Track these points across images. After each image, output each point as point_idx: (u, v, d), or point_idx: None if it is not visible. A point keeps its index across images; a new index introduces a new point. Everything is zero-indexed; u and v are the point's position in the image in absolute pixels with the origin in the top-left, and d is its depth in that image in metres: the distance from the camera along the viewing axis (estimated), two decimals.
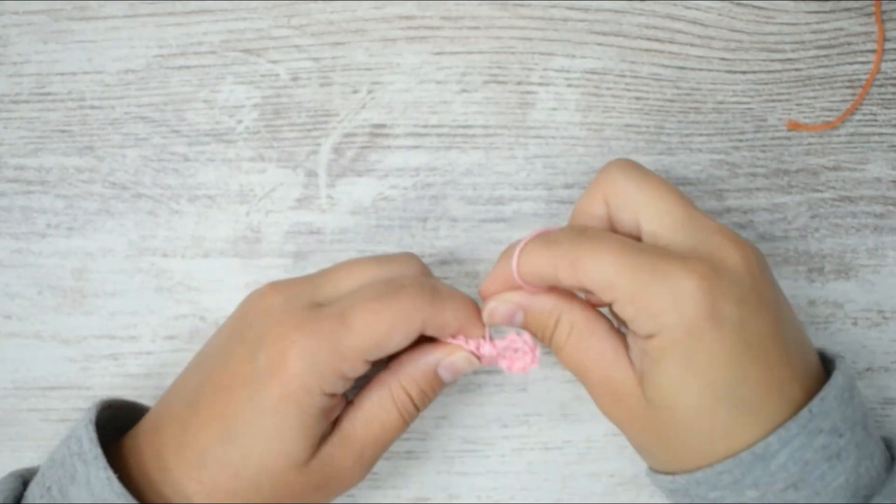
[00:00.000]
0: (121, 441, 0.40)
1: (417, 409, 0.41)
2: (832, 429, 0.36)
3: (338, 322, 0.38)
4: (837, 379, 0.37)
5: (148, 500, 0.38)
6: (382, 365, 0.41)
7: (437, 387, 0.41)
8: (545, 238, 0.39)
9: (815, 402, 0.36)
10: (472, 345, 0.40)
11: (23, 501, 0.39)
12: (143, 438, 0.40)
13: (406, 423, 0.40)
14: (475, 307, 0.40)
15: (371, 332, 0.38)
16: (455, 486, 0.46)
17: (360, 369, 0.39)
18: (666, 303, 0.35)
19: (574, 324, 0.39)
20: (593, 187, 0.40)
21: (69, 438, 0.39)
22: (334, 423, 0.40)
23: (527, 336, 0.41)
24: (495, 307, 0.40)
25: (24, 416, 0.46)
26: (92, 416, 0.39)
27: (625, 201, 0.38)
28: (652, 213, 0.38)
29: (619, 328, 0.39)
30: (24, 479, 0.40)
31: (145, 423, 0.41)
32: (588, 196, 0.40)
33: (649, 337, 0.36)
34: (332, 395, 0.38)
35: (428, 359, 0.40)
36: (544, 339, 0.40)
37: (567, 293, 0.40)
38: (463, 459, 0.46)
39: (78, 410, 0.46)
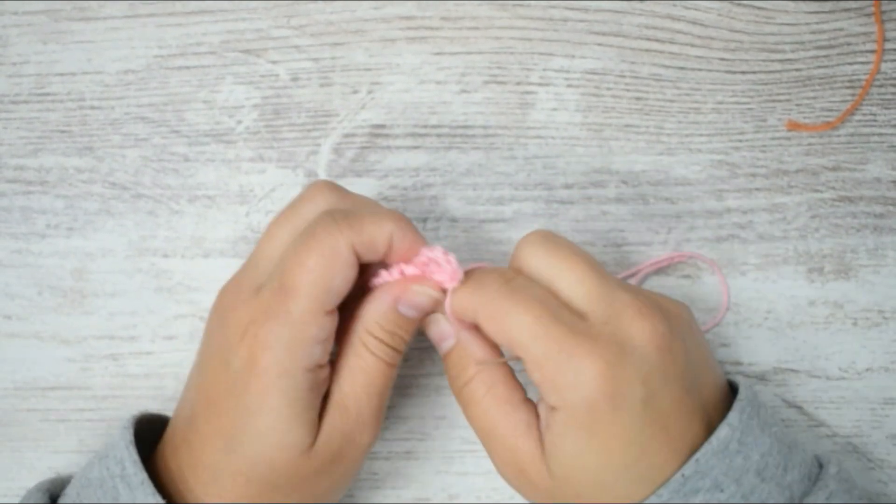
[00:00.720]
0: (150, 460, 0.40)
1: (396, 350, 0.39)
2: (712, 485, 0.36)
3: (279, 294, 0.37)
4: (721, 433, 0.36)
5: None
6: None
7: (404, 324, 0.39)
8: (477, 279, 0.39)
9: (689, 464, 0.36)
10: (395, 271, 0.39)
11: None
12: (166, 457, 0.40)
13: (389, 364, 0.39)
14: (395, 214, 0.39)
15: (311, 284, 0.37)
16: (455, 487, 0.46)
17: (328, 324, 0.38)
18: (569, 379, 0.35)
19: (494, 385, 0.39)
20: (511, 263, 0.40)
21: (107, 458, 0.38)
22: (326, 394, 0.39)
23: (451, 257, 0.39)
24: (437, 319, 0.40)
25: (23, 416, 0.46)
26: (130, 436, 0.39)
27: (538, 275, 0.38)
28: (565, 285, 0.37)
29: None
30: (51, 494, 0.40)
31: (165, 441, 0.41)
32: (511, 261, 0.40)
33: (553, 409, 0.36)
34: (316, 367, 0.38)
35: (384, 298, 0.39)
36: (455, 382, 0.40)
37: (497, 349, 0.40)
38: (463, 459, 0.46)
39: (78, 411, 0.46)
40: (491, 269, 0.39)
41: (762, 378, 0.46)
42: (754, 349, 0.46)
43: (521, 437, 0.38)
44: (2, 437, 0.46)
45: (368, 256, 0.38)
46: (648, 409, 0.36)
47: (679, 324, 0.38)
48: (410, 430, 0.46)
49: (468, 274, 0.39)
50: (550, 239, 0.39)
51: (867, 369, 0.46)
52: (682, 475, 0.36)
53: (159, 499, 0.37)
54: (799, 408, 0.46)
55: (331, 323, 0.38)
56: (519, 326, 0.36)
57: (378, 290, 0.39)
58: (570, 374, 0.35)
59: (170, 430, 0.41)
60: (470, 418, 0.40)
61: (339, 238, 0.37)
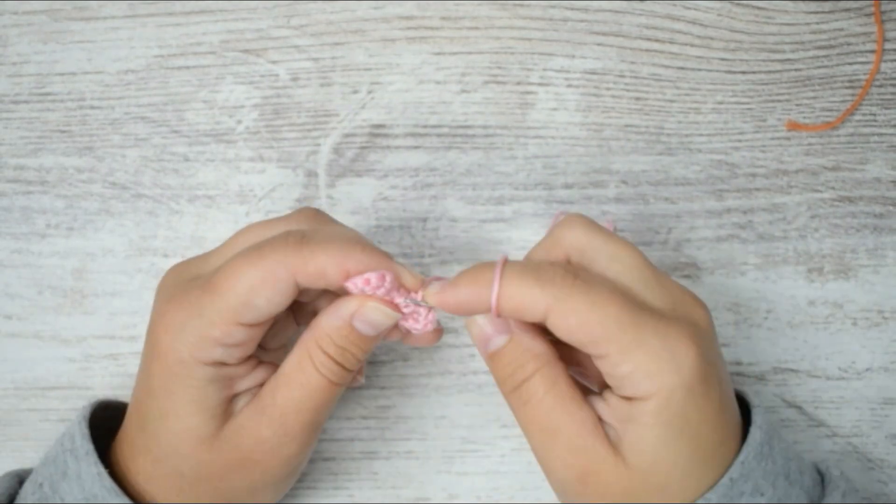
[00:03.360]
0: (114, 441, 0.41)
1: (344, 369, 0.37)
2: (754, 489, 0.35)
3: (203, 290, 0.36)
4: (755, 436, 0.36)
5: (131, 493, 0.38)
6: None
7: (358, 342, 0.37)
8: (535, 271, 0.36)
9: (735, 467, 0.35)
10: (379, 291, 0.37)
11: (17, 500, 0.39)
12: (118, 443, 0.40)
13: (333, 383, 0.37)
14: (359, 247, 0.36)
15: (234, 293, 0.35)
16: (455, 486, 0.46)
17: (239, 335, 0.36)
18: (665, 364, 0.34)
19: (556, 382, 0.36)
20: (552, 238, 0.38)
21: (62, 436, 0.39)
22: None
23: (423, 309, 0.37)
24: (487, 322, 0.37)
25: (23, 416, 0.46)
26: (86, 413, 0.39)
27: (591, 256, 0.37)
28: (619, 269, 0.36)
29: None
30: (21, 479, 0.40)
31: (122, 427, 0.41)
32: (547, 246, 0.38)
33: (639, 399, 0.35)
34: (221, 364, 0.37)
35: (340, 312, 0.37)
36: (509, 381, 0.37)
37: (548, 344, 0.37)
38: (463, 459, 0.46)
39: (77, 411, 0.46)
40: (546, 263, 0.36)
41: (762, 378, 0.46)
42: (754, 349, 0.46)
43: (589, 436, 0.36)
44: (2, 437, 0.46)
45: (309, 284, 0.36)
46: (723, 391, 0.36)
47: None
48: (410, 430, 0.46)
49: (516, 269, 0.36)
50: (598, 224, 0.38)
51: (867, 369, 0.46)
52: (731, 479, 0.35)
53: (101, 468, 0.37)
54: (798, 408, 0.46)
55: (243, 334, 0.36)
56: (605, 320, 0.34)
57: (335, 303, 0.38)
58: (666, 358, 0.34)
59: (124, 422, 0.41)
60: (527, 420, 0.37)
61: (282, 260, 0.36)
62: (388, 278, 0.37)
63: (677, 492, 0.35)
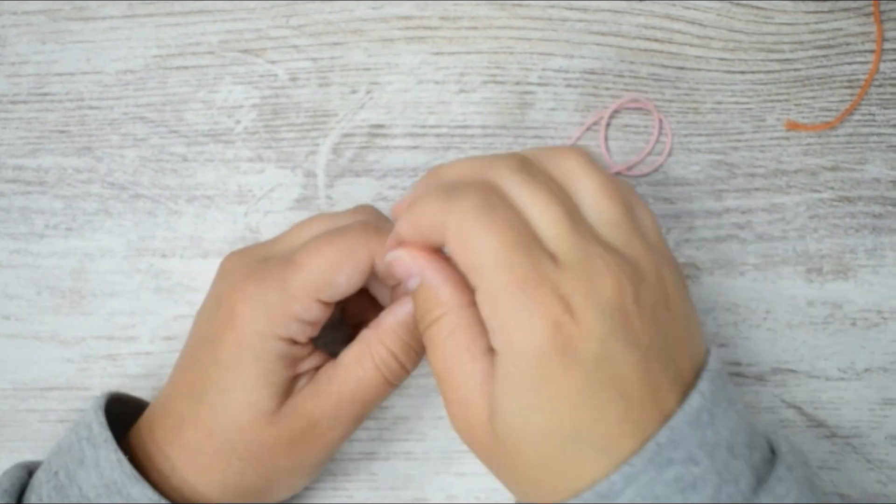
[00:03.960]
0: (128, 433, 0.41)
1: (404, 368, 0.39)
2: (686, 458, 0.32)
3: (284, 265, 0.38)
4: (693, 401, 0.33)
5: (151, 480, 0.38)
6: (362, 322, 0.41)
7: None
8: (447, 186, 0.35)
9: (663, 432, 0.32)
10: None
11: (28, 489, 0.39)
12: (143, 426, 0.40)
13: (388, 381, 0.39)
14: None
15: (316, 268, 0.37)
16: (454, 487, 0.46)
17: (315, 311, 0.38)
18: (521, 321, 0.32)
19: (456, 329, 0.35)
20: (501, 161, 0.36)
21: (77, 425, 0.39)
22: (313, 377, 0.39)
23: None
24: (399, 257, 0.36)
25: (22, 416, 0.46)
26: (101, 402, 0.39)
27: (517, 198, 0.34)
28: (541, 219, 0.34)
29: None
30: (30, 470, 0.40)
31: (143, 416, 0.41)
32: (485, 186, 0.35)
33: (498, 354, 0.33)
34: (292, 342, 0.38)
35: (406, 308, 0.38)
36: (420, 323, 0.37)
37: (468, 289, 0.35)
38: (462, 460, 0.46)
39: (77, 411, 0.46)
40: (467, 178, 0.35)
41: (761, 378, 0.46)
42: (753, 349, 0.46)
43: (472, 390, 0.34)
44: (1, 438, 0.46)
45: (385, 272, 0.38)
46: (602, 371, 0.32)
47: (653, 289, 0.34)
48: (409, 430, 0.46)
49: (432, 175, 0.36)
50: (533, 168, 0.35)
51: (866, 370, 0.46)
52: (657, 443, 0.32)
53: (121, 455, 0.37)
54: (798, 408, 0.46)
55: (319, 311, 0.38)
56: (485, 250, 0.33)
57: (399, 300, 0.39)
58: (523, 316, 0.32)
59: (149, 407, 0.41)
60: (430, 364, 0.36)
61: (363, 243, 0.38)
62: None
63: (541, 467, 0.33)
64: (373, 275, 0.40)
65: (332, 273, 0.38)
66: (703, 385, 0.34)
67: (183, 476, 0.39)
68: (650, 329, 0.34)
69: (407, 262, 0.36)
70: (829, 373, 0.46)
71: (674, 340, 0.35)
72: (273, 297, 0.38)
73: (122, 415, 0.41)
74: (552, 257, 0.33)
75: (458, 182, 0.35)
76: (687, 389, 0.34)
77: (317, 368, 0.40)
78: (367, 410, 0.40)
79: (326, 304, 0.38)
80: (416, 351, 0.39)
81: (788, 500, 0.33)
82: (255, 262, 0.39)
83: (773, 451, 0.36)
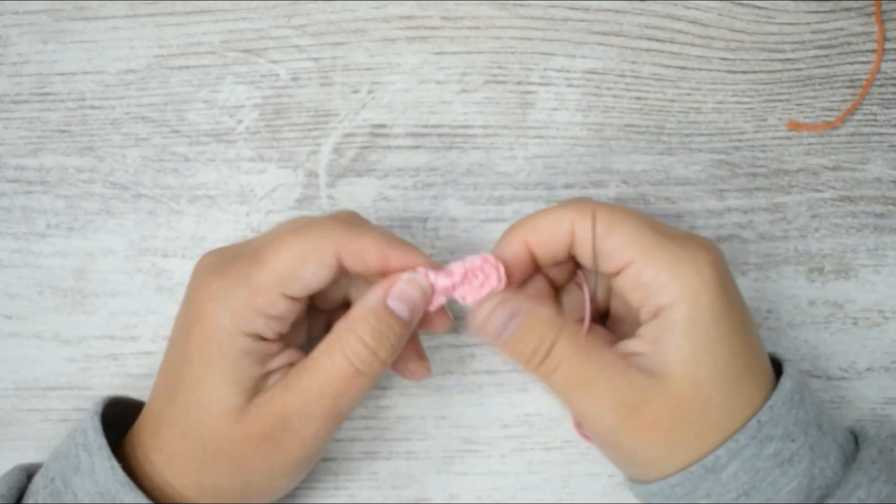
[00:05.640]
0: (126, 437, 0.41)
1: (375, 355, 0.38)
2: (784, 434, 0.36)
3: (249, 260, 0.38)
4: (786, 384, 0.37)
5: (143, 486, 0.38)
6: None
7: (394, 325, 0.38)
8: (557, 206, 0.39)
9: (764, 410, 0.36)
10: (420, 273, 0.39)
11: (26, 494, 0.39)
12: (134, 430, 0.40)
13: (359, 370, 0.37)
14: (399, 240, 0.39)
15: (281, 262, 0.38)
16: (455, 486, 0.46)
17: (281, 306, 0.38)
18: (688, 267, 0.36)
19: (576, 334, 0.37)
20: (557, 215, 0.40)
21: (74, 431, 0.39)
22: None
23: (489, 255, 0.39)
24: (491, 313, 0.38)
25: (24, 416, 0.46)
26: (98, 408, 0.39)
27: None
28: (622, 236, 0.38)
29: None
30: (29, 473, 0.40)
31: (138, 418, 0.41)
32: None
33: (667, 308, 0.36)
34: (259, 338, 0.38)
35: (374, 294, 0.38)
36: (535, 357, 0.37)
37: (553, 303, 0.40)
38: (463, 459, 0.46)
39: (78, 410, 0.46)
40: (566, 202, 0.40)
41: None
42: None
43: (626, 372, 0.36)
44: (2, 437, 0.46)
45: (351, 264, 0.38)
46: (746, 317, 0.38)
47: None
48: (411, 430, 0.46)
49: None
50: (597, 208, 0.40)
51: (867, 369, 0.46)
52: (758, 421, 0.36)
53: (114, 462, 0.37)
54: None
55: (285, 306, 0.38)
56: (629, 227, 0.37)
57: (369, 290, 0.39)
58: (688, 261, 0.36)
59: (142, 411, 0.41)
60: (563, 382, 0.37)
61: (330, 235, 0.38)
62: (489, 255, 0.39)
63: (721, 404, 0.36)
64: (350, 278, 0.40)
65: (297, 266, 0.38)
66: (791, 369, 0.38)
67: (164, 478, 0.38)
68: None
69: (502, 306, 0.38)
70: (830, 372, 0.46)
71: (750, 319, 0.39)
72: (237, 293, 0.37)
73: (123, 417, 0.41)
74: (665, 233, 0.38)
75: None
76: (768, 369, 0.38)
77: (291, 365, 0.39)
78: (341, 405, 0.38)
79: (294, 299, 0.38)
80: (387, 337, 0.38)
81: (879, 482, 0.36)
82: (225, 260, 0.39)
83: (853, 434, 0.39)
